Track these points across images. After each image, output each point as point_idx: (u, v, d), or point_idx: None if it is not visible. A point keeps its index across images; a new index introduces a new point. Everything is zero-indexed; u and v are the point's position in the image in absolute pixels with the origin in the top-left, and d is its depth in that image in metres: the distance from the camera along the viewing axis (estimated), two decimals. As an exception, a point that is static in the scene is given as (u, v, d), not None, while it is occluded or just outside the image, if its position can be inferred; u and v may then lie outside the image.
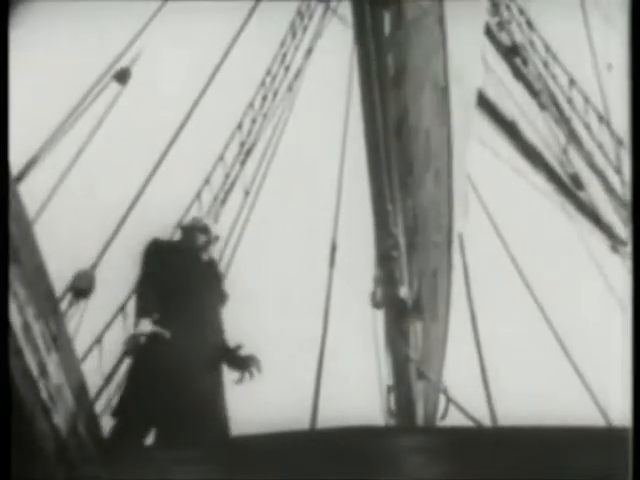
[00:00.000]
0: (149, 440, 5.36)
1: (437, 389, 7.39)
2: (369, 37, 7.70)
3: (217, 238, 6.21)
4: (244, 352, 5.80)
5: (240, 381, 5.74)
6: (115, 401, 5.75)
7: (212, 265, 6.16)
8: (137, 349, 5.58)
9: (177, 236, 6.47)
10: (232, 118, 9.37)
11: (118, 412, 5.44)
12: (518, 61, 10.62)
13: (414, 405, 7.30)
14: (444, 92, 7.99)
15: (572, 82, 9.96)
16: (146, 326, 5.57)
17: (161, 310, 5.69)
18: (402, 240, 7.81)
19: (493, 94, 10.14)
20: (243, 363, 5.75)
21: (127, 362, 5.95)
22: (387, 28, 7.88)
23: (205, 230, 6.13)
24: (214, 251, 6.19)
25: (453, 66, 7.95)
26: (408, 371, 7.42)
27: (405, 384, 7.44)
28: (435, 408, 7.67)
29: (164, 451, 5.06)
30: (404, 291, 7.63)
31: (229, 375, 5.78)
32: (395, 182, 7.89)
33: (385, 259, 7.73)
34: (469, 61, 8.39)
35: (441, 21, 7.88)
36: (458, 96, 8.08)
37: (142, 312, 5.65)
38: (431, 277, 8.12)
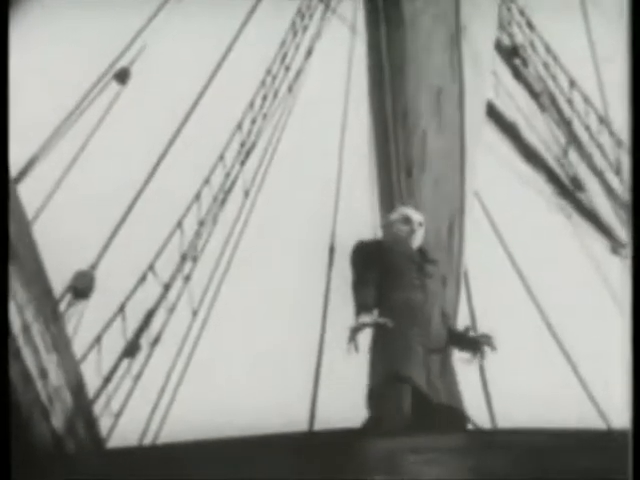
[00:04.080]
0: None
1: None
2: (381, 30, 7.74)
3: (421, 224, 6.22)
4: (474, 333, 5.82)
5: (470, 361, 5.76)
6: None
7: (422, 252, 6.18)
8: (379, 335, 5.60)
9: (381, 233, 6.48)
10: (232, 118, 9.36)
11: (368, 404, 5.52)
12: (518, 62, 10.61)
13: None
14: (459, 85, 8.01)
15: (572, 83, 9.95)
16: (367, 318, 5.62)
17: (380, 306, 5.75)
18: None
19: (493, 95, 10.13)
20: (474, 344, 5.77)
21: (125, 364, 5.97)
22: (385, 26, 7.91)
23: (407, 220, 6.18)
24: (419, 237, 6.19)
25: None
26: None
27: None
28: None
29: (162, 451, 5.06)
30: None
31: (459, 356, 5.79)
32: (403, 180, 7.90)
33: None
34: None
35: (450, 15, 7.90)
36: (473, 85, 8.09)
37: (362, 309, 5.71)
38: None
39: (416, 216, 6.26)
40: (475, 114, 8.36)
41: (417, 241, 6.16)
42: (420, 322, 5.73)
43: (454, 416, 5.58)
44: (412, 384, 5.44)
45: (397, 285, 5.85)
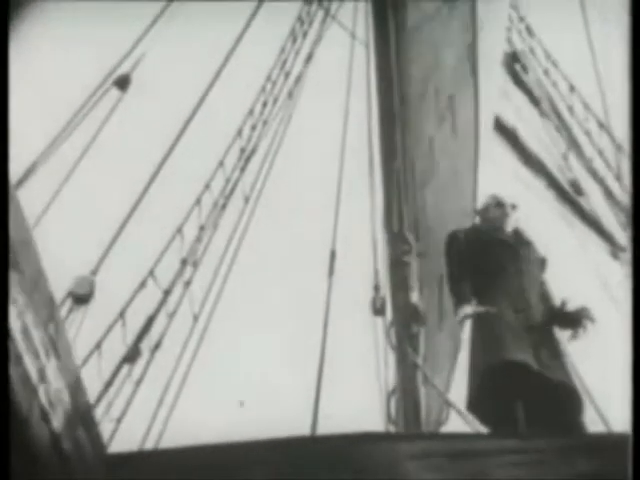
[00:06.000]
0: None
1: (441, 396, 7.38)
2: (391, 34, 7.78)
3: (514, 206, 6.22)
4: (571, 307, 5.80)
5: (574, 337, 5.74)
6: None
7: (517, 234, 6.17)
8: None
9: (476, 220, 6.48)
10: (232, 124, 9.37)
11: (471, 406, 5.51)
12: (518, 68, 10.63)
13: (419, 412, 7.28)
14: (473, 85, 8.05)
15: (572, 89, 9.96)
16: (468, 309, 5.62)
17: (478, 294, 5.76)
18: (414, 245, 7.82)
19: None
20: (574, 319, 5.75)
21: (126, 369, 5.97)
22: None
23: (499, 204, 6.18)
24: (513, 220, 6.19)
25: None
26: (415, 378, 7.40)
27: (411, 390, 7.42)
28: (438, 415, 7.66)
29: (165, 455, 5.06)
30: (415, 296, 7.63)
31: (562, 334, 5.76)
32: (410, 184, 7.93)
33: (397, 264, 7.75)
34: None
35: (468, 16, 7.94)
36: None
37: (461, 301, 5.71)
38: (437, 283, 8.12)
39: (508, 199, 6.28)
40: (487, 119, 8.41)
41: (511, 224, 6.17)
42: (519, 306, 5.74)
43: (571, 394, 5.55)
44: (525, 366, 5.43)
45: (494, 271, 5.86)
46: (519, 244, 6.12)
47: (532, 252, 6.15)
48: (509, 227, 6.16)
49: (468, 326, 5.74)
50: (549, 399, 5.49)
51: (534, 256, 6.14)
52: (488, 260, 5.92)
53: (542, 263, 6.17)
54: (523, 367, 5.45)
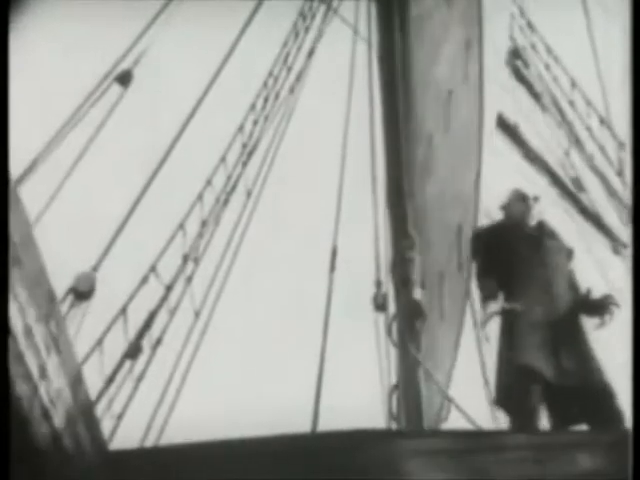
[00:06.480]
0: None
1: (443, 392, 7.39)
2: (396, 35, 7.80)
3: (536, 198, 6.24)
4: (596, 294, 5.83)
5: (602, 325, 5.78)
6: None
7: (541, 226, 6.19)
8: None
9: (500, 216, 6.49)
10: (234, 119, 9.36)
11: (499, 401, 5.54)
12: (519, 63, 10.61)
13: (421, 408, 7.29)
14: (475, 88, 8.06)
15: (574, 84, 9.94)
16: (495, 306, 5.65)
17: (505, 289, 5.78)
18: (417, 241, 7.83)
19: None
20: (600, 306, 5.78)
21: (127, 365, 5.95)
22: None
23: (521, 198, 6.20)
24: (537, 213, 6.21)
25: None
26: (417, 374, 7.40)
27: (413, 387, 7.42)
28: (439, 411, 7.66)
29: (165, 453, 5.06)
30: (418, 292, 7.64)
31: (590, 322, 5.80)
32: (413, 180, 7.93)
33: (400, 260, 7.75)
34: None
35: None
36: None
37: (488, 298, 5.75)
38: (437, 279, 8.12)
39: (530, 192, 6.30)
40: (489, 116, 8.41)
41: (535, 217, 6.19)
42: (546, 299, 5.77)
43: (595, 396, 5.56)
44: (540, 376, 5.47)
45: (519, 266, 5.90)
46: (544, 236, 6.16)
47: (557, 243, 6.19)
48: (533, 220, 6.18)
49: (496, 322, 5.79)
50: (568, 404, 5.51)
51: (560, 247, 6.18)
52: (513, 255, 5.97)
53: (568, 253, 6.20)
54: (538, 374, 5.49)
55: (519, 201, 6.23)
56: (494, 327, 5.91)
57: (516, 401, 5.54)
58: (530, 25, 10.54)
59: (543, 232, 6.17)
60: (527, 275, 5.85)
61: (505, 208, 6.32)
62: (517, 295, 5.75)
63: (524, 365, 5.52)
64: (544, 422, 5.67)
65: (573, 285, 6.03)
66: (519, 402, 5.53)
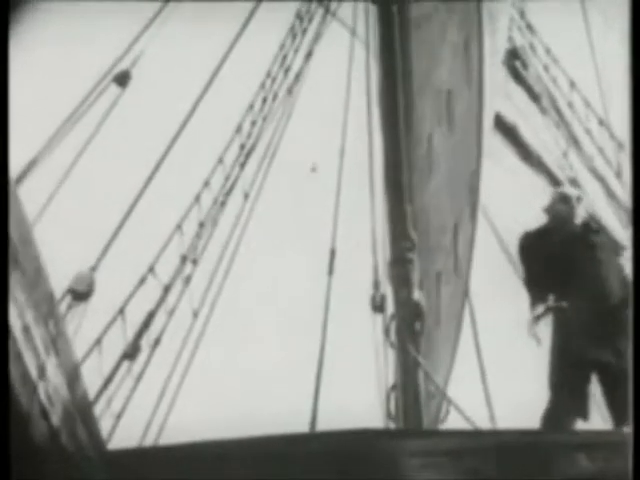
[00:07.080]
0: None
1: (441, 393, 7.40)
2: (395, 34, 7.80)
3: (580, 198, 6.25)
4: None
5: None
6: None
7: (587, 224, 6.19)
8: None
9: (544, 219, 6.50)
10: (232, 120, 9.35)
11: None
12: (518, 64, 10.60)
13: (420, 409, 7.29)
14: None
15: (572, 85, 9.93)
16: (540, 308, 5.66)
17: (555, 291, 5.85)
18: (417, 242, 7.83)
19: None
20: None
21: (126, 365, 5.95)
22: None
23: (565, 199, 6.20)
24: (582, 212, 6.21)
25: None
26: (415, 374, 7.41)
27: (411, 387, 7.43)
28: (437, 411, 7.67)
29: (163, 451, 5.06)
30: (417, 293, 7.65)
31: None
32: (413, 183, 7.93)
33: (400, 261, 7.76)
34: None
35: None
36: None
37: (536, 301, 5.81)
38: (434, 280, 8.12)
39: (573, 192, 6.30)
40: (488, 116, 8.41)
41: (580, 216, 6.20)
42: (598, 295, 5.80)
43: None
44: (599, 364, 5.52)
45: (568, 266, 5.91)
46: (591, 234, 6.15)
47: (606, 239, 6.20)
48: (578, 219, 6.19)
49: (545, 324, 5.82)
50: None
51: (609, 242, 6.18)
52: (561, 257, 5.98)
53: (618, 248, 6.20)
54: (595, 361, 5.55)
55: (562, 202, 6.22)
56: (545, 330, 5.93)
57: (570, 390, 5.61)
58: (529, 26, 10.55)
59: (590, 230, 6.17)
60: (577, 274, 5.88)
61: (548, 210, 6.31)
62: (568, 295, 5.79)
63: (579, 356, 5.59)
64: (604, 411, 5.71)
65: (624, 279, 6.04)
66: (573, 390, 5.60)
